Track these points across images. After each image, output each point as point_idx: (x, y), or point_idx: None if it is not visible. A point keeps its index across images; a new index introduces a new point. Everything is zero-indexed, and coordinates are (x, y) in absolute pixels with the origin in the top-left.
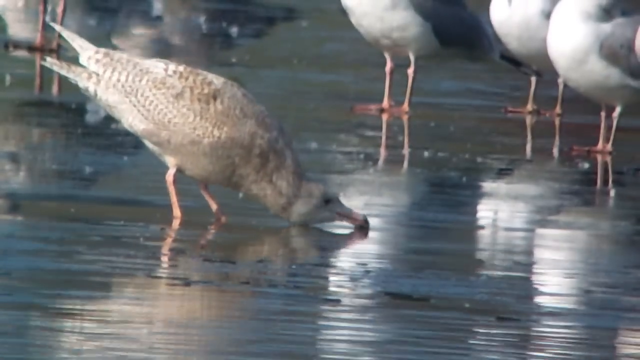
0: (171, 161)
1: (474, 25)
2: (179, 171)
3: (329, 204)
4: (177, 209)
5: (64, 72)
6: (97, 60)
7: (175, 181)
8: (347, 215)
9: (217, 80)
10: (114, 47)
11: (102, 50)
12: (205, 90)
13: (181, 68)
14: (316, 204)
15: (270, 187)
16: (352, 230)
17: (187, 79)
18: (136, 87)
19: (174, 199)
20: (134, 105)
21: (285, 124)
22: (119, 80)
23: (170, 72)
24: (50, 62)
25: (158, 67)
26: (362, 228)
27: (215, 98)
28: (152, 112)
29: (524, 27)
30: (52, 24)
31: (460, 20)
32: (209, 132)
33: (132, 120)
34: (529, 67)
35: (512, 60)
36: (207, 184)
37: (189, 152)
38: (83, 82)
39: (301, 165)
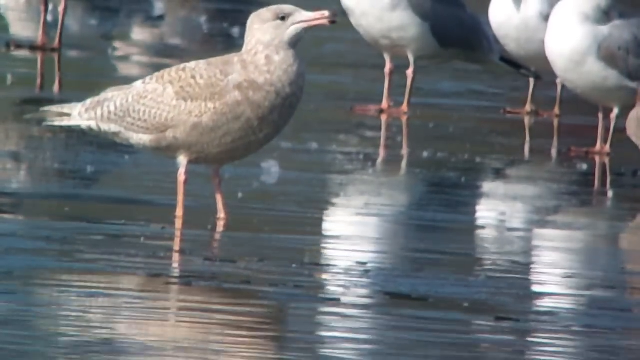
0: (184, 159)
1: (474, 27)
2: (194, 163)
3: (287, 19)
4: (181, 209)
5: (65, 123)
6: (87, 109)
7: (186, 181)
8: (309, 20)
9: (190, 64)
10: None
11: (87, 100)
12: (183, 76)
13: (156, 73)
14: (272, 25)
15: (263, 64)
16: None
17: (163, 77)
18: (126, 107)
19: (180, 198)
20: (132, 124)
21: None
22: (110, 112)
23: (147, 80)
24: (50, 121)
25: (136, 83)
26: (332, 23)
27: (194, 77)
28: (149, 120)
29: (522, 28)
30: (41, 109)
31: (459, 21)
32: (204, 108)
33: (136, 137)
34: (528, 70)
35: (512, 63)
36: (221, 179)
37: (198, 138)
38: (84, 123)
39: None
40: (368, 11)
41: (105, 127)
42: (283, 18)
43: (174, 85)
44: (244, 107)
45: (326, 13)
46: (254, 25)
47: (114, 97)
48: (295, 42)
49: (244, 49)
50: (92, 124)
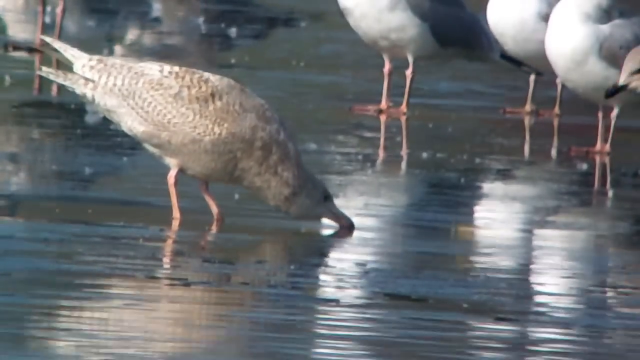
0: (173, 162)
1: (473, 25)
2: (181, 171)
3: (327, 201)
4: (177, 211)
5: (60, 80)
6: (92, 67)
7: (176, 183)
8: (338, 216)
9: (213, 78)
10: (111, 50)
11: (96, 57)
12: (203, 89)
13: (176, 68)
14: (318, 199)
15: (275, 179)
16: (339, 230)
17: (183, 78)
18: (133, 89)
19: (174, 200)
20: (132, 108)
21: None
22: (115, 85)
23: (166, 73)
24: (46, 71)
25: (153, 68)
26: (349, 230)
27: (213, 95)
28: (151, 113)
29: (519, 28)
30: (43, 37)
31: (458, 20)
32: (210, 130)
33: (131, 123)
34: (530, 66)
35: (512, 60)
36: (208, 182)
37: (190, 152)
38: (80, 88)
39: (301, 158)
40: (367, 12)
41: (102, 99)
42: (326, 198)
43: (190, 92)
44: (239, 145)
45: (347, 223)
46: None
47: (123, 70)
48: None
49: (292, 161)
50: (89, 91)
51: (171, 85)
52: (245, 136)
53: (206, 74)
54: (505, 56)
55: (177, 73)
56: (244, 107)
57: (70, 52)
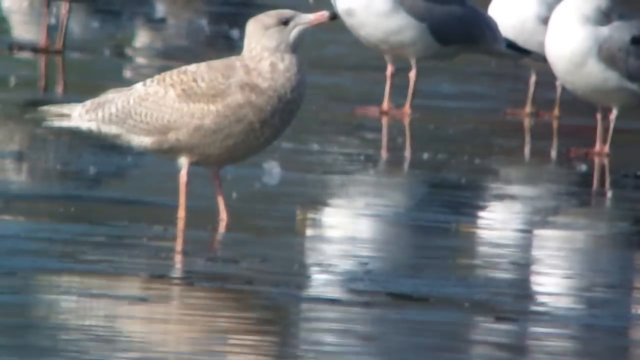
0: (185, 161)
1: (473, 20)
2: (200, 164)
3: (289, 23)
4: (183, 210)
5: (65, 124)
6: (87, 110)
7: (188, 182)
8: (311, 22)
9: (190, 67)
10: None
11: (88, 101)
12: (185, 79)
13: (156, 76)
14: (276, 30)
15: (267, 73)
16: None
17: (164, 80)
18: (127, 110)
19: (182, 199)
20: (134, 126)
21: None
22: (111, 114)
23: (148, 83)
24: (50, 121)
25: (137, 86)
26: (333, 19)
27: (195, 80)
28: (151, 122)
29: (519, 30)
30: (40, 109)
31: (457, 17)
32: (206, 111)
33: (138, 139)
34: (537, 53)
35: (520, 49)
36: (220, 178)
37: (200, 140)
38: (84, 125)
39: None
40: (365, 18)
41: (106, 129)
42: (286, 22)
43: (175, 88)
44: (246, 109)
45: (326, 13)
46: (257, 31)
47: (114, 99)
48: (299, 44)
49: (246, 55)
50: (93, 125)
51: (157, 90)
52: (240, 101)
53: (183, 67)
54: (511, 45)
55: (157, 79)
56: (226, 75)
57: (65, 109)
